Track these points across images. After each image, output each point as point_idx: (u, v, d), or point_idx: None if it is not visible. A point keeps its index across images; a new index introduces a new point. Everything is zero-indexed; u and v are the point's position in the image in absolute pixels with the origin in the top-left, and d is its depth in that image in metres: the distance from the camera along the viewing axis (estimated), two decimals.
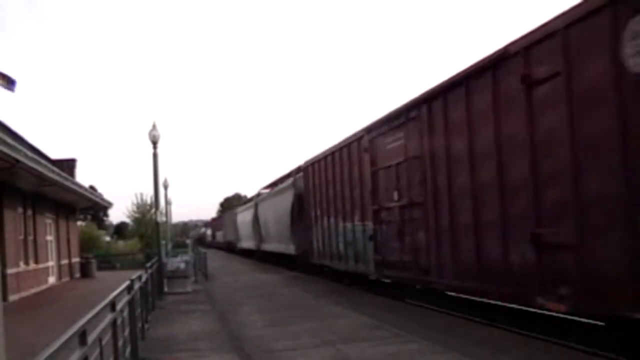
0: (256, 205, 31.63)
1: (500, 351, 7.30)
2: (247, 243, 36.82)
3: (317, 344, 8.46)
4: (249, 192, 51.84)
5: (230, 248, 49.68)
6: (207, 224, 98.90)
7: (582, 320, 8.08)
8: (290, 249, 22.28)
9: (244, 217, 37.98)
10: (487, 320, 9.44)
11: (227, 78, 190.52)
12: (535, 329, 8.50)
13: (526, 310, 8.94)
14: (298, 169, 21.76)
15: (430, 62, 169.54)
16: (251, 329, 10.26)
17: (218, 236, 67.91)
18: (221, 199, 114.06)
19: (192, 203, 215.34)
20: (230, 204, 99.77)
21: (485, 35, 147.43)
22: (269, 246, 27.91)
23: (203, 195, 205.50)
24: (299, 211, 20.78)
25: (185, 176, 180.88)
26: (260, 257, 32.30)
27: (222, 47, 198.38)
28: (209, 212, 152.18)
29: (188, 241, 28.68)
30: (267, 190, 30.63)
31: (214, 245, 69.60)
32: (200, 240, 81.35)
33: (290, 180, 22.82)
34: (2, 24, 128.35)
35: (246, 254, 38.39)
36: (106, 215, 66.18)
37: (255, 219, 31.26)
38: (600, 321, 7.08)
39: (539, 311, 8.54)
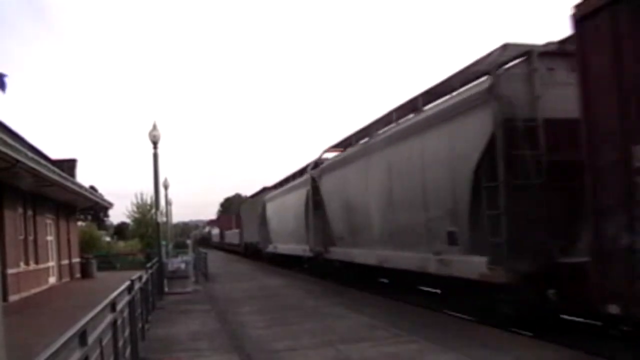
0: (314, 181, 18.78)
1: (500, 351, 7.30)
2: (288, 246, 23.97)
3: (318, 344, 8.47)
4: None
5: (251, 253, 36.42)
6: (212, 221, 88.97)
7: (582, 320, 8.09)
8: (476, 264, 9.00)
9: (282, 205, 24.86)
10: (487, 321, 9.43)
11: (227, 78, 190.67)
12: (536, 329, 8.50)
13: (526, 311, 8.94)
14: (505, 52, 8.99)
15: (430, 58, 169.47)
16: (251, 329, 10.26)
17: (229, 236, 53.61)
18: (221, 199, 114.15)
19: (192, 203, 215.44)
20: (231, 204, 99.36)
21: (482, 27, 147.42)
22: (369, 255, 14.00)
23: (203, 195, 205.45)
24: (520, 167, 8.39)
25: (186, 176, 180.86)
26: (329, 272, 18.45)
27: (222, 48, 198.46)
28: (209, 212, 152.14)
29: (188, 242, 27.70)
30: (334, 153, 17.95)
31: (224, 248, 58.04)
32: (204, 241, 74.73)
33: (484, 83, 9.17)
34: (3, 25, 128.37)
35: (284, 262, 26.18)
36: (106, 215, 66.05)
37: (313, 206, 18.77)
38: None
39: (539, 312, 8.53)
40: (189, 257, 19.88)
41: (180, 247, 22.26)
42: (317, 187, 18.57)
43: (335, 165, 17.29)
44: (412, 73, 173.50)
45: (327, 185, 17.90)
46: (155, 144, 17.46)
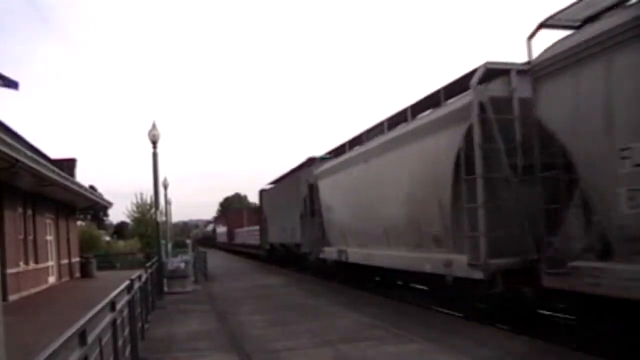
0: (482, 111, 8.89)
1: (500, 351, 7.30)
2: (387, 253, 12.86)
3: (318, 344, 8.46)
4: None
5: (281, 258, 26.45)
6: (218, 218, 78.84)
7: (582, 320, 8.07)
8: None
9: (363, 177, 14.22)
10: (487, 321, 9.43)
11: (227, 78, 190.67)
12: (535, 329, 8.51)
13: (526, 311, 8.95)
14: None
15: (432, 58, 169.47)
16: (251, 328, 10.26)
17: (242, 236, 42.55)
18: (221, 199, 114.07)
19: (192, 203, 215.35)
20: (230, 204, 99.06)
21: (482, 31, 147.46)
22: None
23: (203, 195, 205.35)
24: None
25: (186, 176, 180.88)
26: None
27: (222, 48, 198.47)
28: (209, 212, 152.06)
29: (188, 241, 27.23)
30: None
31: (234, 250, 47.25)
32: (208, 242, 67.82)
33: None
34: (3, 25, 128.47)
35: (351, 276, 16.24)
36: (106, 215, 66.25)
37: (484, 165, 8.81)
38: None
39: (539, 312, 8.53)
40: (189, 257, 19.87)
41: (180, 246, 22.16)
42: (487, 121, 8.92)
43: None
44: (404, 66, 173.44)
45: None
46: (155, 143, 17.46)
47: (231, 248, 49.48)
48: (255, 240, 34.24)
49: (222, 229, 60.81)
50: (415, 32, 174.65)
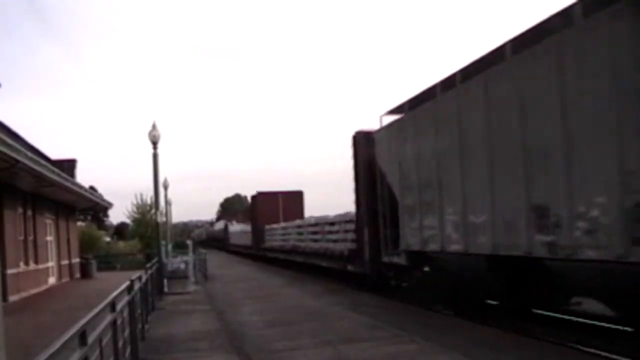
0: None
1: (500, 351, 7.30)
2: None
3: (317, 344, 8.46)
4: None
5: (434, 288, 11.63)
6: (222, 217, 68.73)
7: (581, 320, 8.10)
8: None
9: None
10: (486, 321, 9.44)
11: (227, 78, 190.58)
12: (535, 329, 8.52)
13: (525, 311, 8.97)
14: None
15: (437, 51, 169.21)
16: (251, 328, 10.26)
17: (282, 235, 27.08)
18: (221, 199, 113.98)
19: (192, 203, 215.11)
20: (231, 204, 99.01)
21: (481, 30, 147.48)
22: None
23: (203, 195, 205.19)
24: None
25: (186, 176, 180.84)
26: None
27: (222, 48, 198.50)
28: (209, 212, 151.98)
29: (189, 242, 26.50)
30: None
31: (261, 256, 32.53)
32: (216, 243, 57.01)
33: None
34: (2, 25, 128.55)
35: None
36: (106, 215, 66.24)
37: None
38: None
39: (538, 312, 8.56)
40: (189, 257, 19.88)
41: (180, 247, 22.12)
42: None
43: None
44: (406, 63, 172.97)
45: None
46: (155, 144, 17.49)
47: (259, 254, 33.26)
48: (332, 244, 18.58)
49: (237, 227, 47.29)
50: (413, 30, 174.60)
